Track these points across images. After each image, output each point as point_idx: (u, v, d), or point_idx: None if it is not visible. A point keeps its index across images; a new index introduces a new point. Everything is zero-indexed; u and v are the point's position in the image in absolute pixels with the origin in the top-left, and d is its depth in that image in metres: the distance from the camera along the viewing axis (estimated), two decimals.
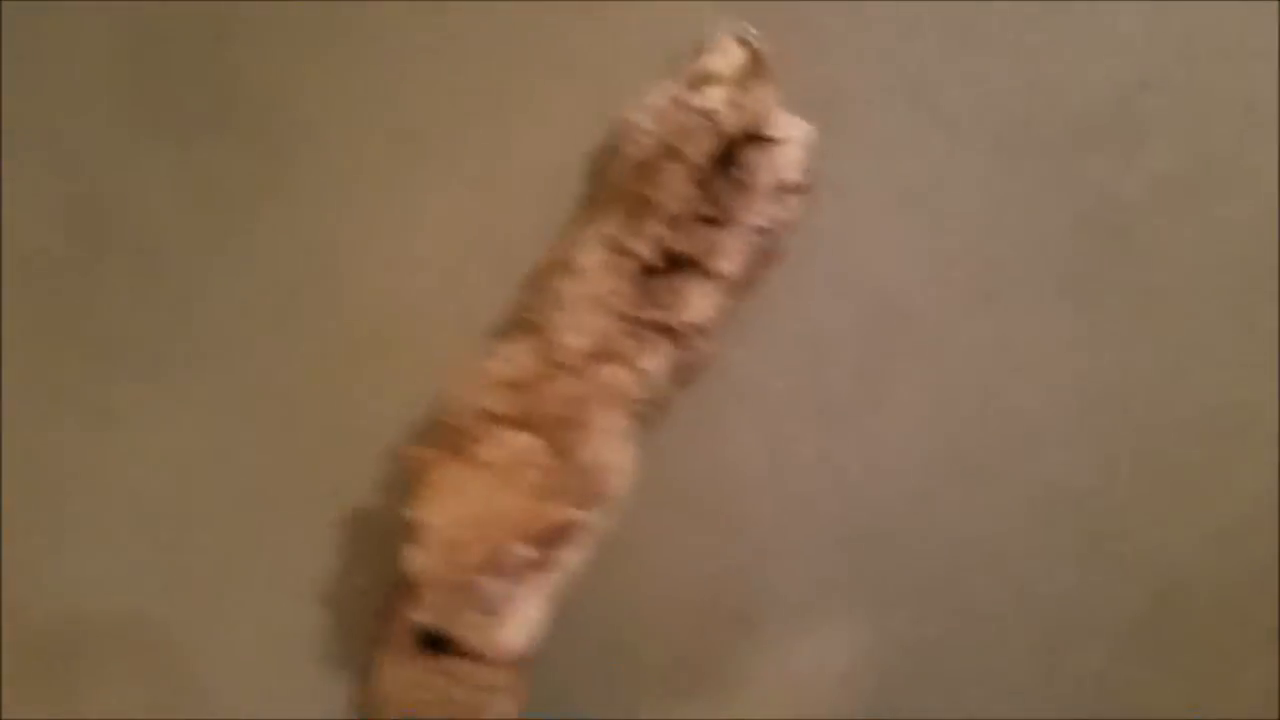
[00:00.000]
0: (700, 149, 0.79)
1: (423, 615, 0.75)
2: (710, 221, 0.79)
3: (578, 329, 0.78)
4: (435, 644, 0.77)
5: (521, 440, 0.77)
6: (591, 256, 0.80)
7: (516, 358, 0.79)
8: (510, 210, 0.92)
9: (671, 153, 0.80)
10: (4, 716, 0.84)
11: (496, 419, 0.77)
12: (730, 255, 0.79)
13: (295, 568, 0.89)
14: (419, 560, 0.74)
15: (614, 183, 0.83)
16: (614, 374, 0.79)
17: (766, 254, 0.84)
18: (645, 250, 0.78)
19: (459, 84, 0.93)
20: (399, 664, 0.82)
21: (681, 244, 0.78)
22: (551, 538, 0.77)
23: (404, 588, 0.80)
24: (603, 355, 0.78)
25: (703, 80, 0.83)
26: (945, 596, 0.92)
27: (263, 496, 0.89)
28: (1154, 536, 0.94)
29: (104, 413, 0.88)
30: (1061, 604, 0.93)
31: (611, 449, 0.81)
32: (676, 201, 0.78)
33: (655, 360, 0.80)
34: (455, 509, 0.74)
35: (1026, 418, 0.94)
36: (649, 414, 0.84)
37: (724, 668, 0.90)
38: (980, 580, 0.93)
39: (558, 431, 0.78)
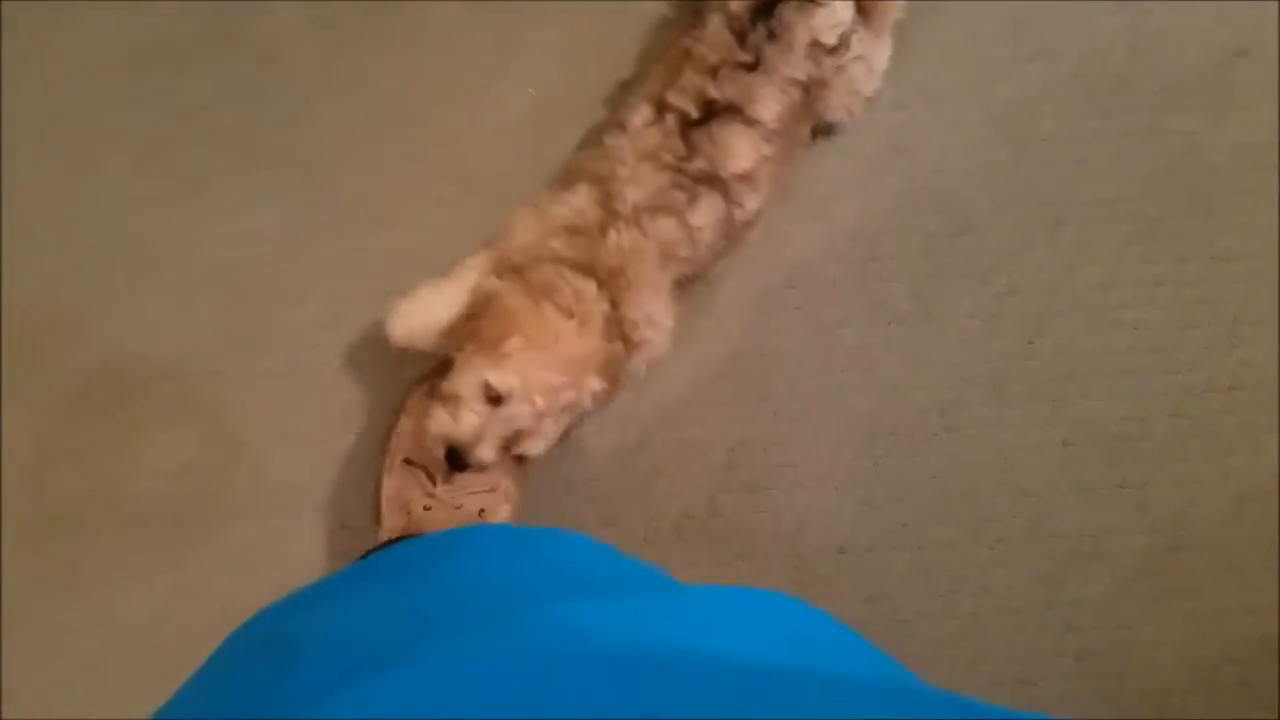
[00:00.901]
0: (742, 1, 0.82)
1: (462, 434, 0.78)
2: (747, 68, 0.82)
3: (636, 182, 0.82)
4: (455, 459, 0.80)
5: (590, 288, 0.80)
6: (640, 114, 0.84)
7: (580, 205, 0.83)
8: (582, 70, 0.96)
9: (716, 3, 0.83)
10: (72, 440, 0.91)
11: (564, 262, 0.81)
12: (767, 102, 0.82)
13: (343, 356, 0.93)
14: (506, 382, 0.77)
15: (661, 41, 0.87)
16: (667, 227, 0.82)
17: (803, 109, 0.86)
18: (687, 102, 0.82)
19: None
20: (408, 473, 0.87)
21: (721, 90, 0.81)
22: (612, 376, 0.81)
23: (424, 403, 0.85)
24: (657, 208, 0.82)
25: None
26: (958, 507, 0.93)
27: (327, 291, 0.94)
28: (1176, 492, 0.94)
29: (202, 192, 0.94)
30: (1073, 538, 0.93)
31: (659, 302, 0.84)
32: (716, 49, 0.82)
33: (703, 214, 0.83)
34: (537, 346, 0.78)
35: (1073, 356, 0.95)
36: (696, 272, 0.87)
37: (727, 525, 0.93)
38: (996, 500, 0.94)
39: (614, 279, 0.82)
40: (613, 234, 0.81)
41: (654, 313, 0.84)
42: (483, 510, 0.87)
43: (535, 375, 0.77)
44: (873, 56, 0.89)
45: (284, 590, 0.88)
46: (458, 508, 0.86)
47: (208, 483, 0.90)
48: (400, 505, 0.86)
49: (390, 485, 0.88)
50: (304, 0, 0.95)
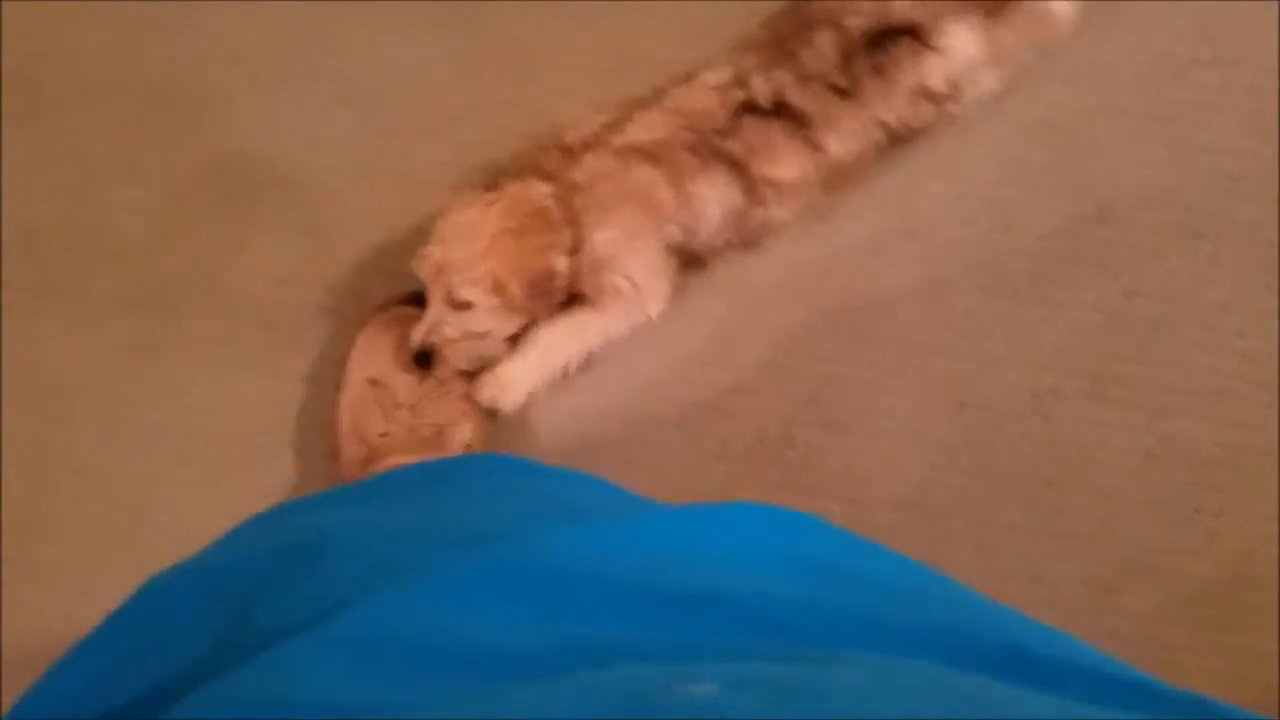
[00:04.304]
0: (859, 22, 0.80)
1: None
2: (839, 93, 0.80)
3: (647, 126, 0.80)
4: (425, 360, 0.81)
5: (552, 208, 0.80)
6: (716, 75, 0.82)
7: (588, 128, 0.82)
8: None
9: (832, 16, 0.82)
10: (181, 224, 0.91)
11: (540, 173, 0.81)
12: (842, 134, 0.80)
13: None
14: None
15: (774, 28, 0.85)
16: (650, 175, 0.80)
17: (880, 152, 0.84)
18: (766, 93, 0.80)
19: None
20: (369, 392, 0.87)
21: (801, 101, 0.79)
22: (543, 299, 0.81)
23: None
24: (649, 155, 0.80)
25: None
26: (1030, 493, 0.92)
27: (455, 134, 0.93)
28: (1250, 527, 0.92)
29: (360, 6, 0.93)
30: (1136, 549, 0.92)
31: (639, 256, 0.83)
32: (816, 62, 0.80)
33: (708, 187, 0.81)
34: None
35: (1180, 370, 0.93)
36: (696, 250, 0.85)
37: (797, 457, 0.92)
38: (1070, 496, 0.92)
39: (575, 201, 0.81)
40: (589, 157, 0.79)
41: (630, 264, 0.82)
42: (443, 430, 0.85)
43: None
44: None
45: None
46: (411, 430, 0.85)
47: (306, 296, 0.91)
48: (359, 436, 0.85)
49: (347, 407, 0.86)
50: None
